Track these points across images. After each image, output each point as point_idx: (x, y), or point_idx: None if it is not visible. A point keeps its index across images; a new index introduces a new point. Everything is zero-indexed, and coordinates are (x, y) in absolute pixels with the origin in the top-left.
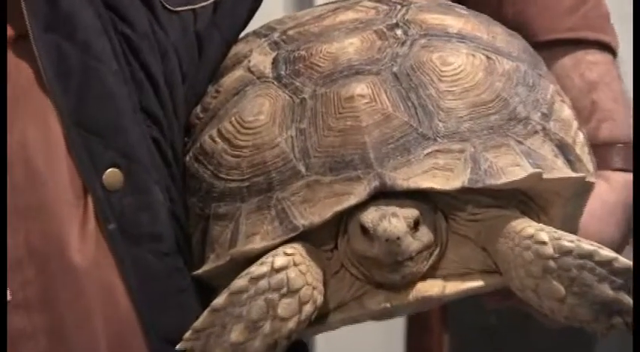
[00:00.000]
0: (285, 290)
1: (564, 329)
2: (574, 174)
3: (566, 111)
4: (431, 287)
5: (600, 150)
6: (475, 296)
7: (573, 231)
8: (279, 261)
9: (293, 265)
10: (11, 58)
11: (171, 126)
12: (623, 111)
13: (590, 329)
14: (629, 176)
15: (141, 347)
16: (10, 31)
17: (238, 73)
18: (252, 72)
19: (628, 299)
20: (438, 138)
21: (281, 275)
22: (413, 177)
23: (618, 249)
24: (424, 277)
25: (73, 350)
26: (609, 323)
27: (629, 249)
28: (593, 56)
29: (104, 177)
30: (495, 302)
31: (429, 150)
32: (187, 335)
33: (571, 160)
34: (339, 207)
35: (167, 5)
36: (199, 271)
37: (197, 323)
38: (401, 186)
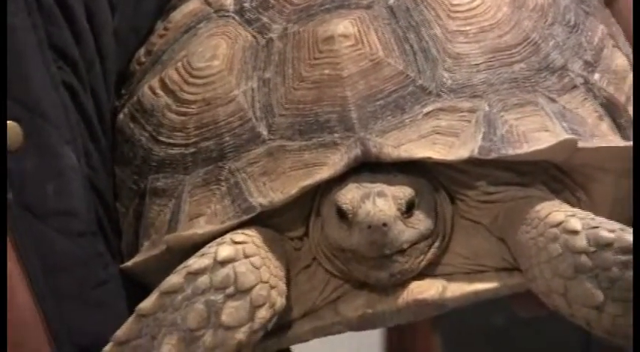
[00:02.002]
0: (231, 289)
1: None
2: (622, 143)
3: (620, 60)
4: (427, 289)
5: None
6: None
7: (626, 218)
8: (225, 250)
9: (243, 257)
10: None
11: (93, 69)
12: None
13: None
14: None
15: None
16: None
17: (192, 4)
18: (209, 3)
19: None
20: (443, 93)
21: (227, 270)
22: (406, 143)
23: None
24: (420, 275)
25: None
26: None
27: None
28: None
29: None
30: (530, 309)
31: (430, 108)
32: (107, 348)
33: (621, 124)
34: (308, 182)
35: None
36: (128, 263)
37: (120, 333)
38: (389, 155)
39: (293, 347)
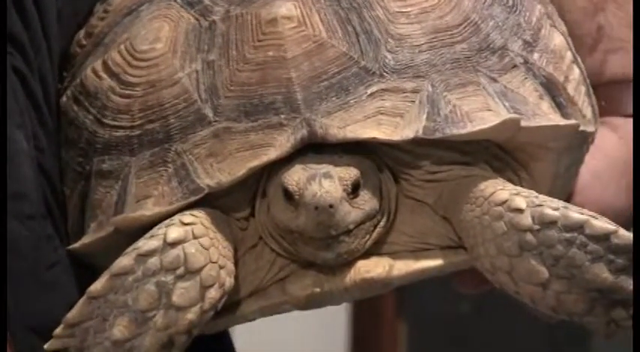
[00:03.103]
0: (181, 270)
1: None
2: (563, 122)
3: (558, 39)
4: (374, 267)
5: (607, 89)
6: (436, 278)
7: (566, 195)
8: (174, 232)
9: (192, 237)
10: None
11: (40, 52)
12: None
13: (585, 324)
14: None
15: None
16: None
17: None
18: None
19: (631, 286)
20: (386, 74)
21: (176, 251)
22: (352, 124)
23: (626, 221)
24: (367, 254)
25: None
26: (608, 316)
27: None
28: None
29: None
30: (471, 286)
31: (374, 89)
32: (59, 330)
33: (561, 103)
34: (255, 163)
35: None
36: (76, 245)
37: (70, 315)
38: (335, 136)
39: (246, 334)
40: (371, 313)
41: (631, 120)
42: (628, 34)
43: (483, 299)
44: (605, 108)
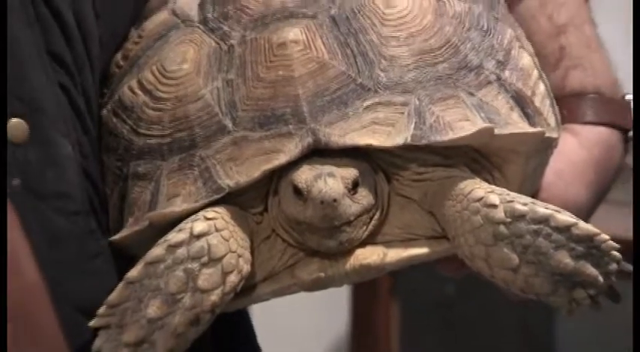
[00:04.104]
0: (205, 258)
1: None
2: (531, 129)
3: (526, 59)
4: (370, 255)
5: (568, 101)
6: (424, 264)
7: (533, 192)
8: (199, 226)
9: (215, 230)
10: None
11: (83, 71)
12: (595, 58)
13: (550, 303)
14: (602, 130)
15: (48, 315)
16: None
17: (162, 15)
18: (176, 15)
19: (591, 270)
20: (379, 90)
21: (201, 242)
22: (350, 132)
23: (587, 213)
24: (363, 244)
25: None
26: (570, 296)
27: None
28: None
29: (7, 128)
30: (452, 270)
31: (369, 102)
32: (101, 310)
33: (529, 113)
34: (268, 166)
35: None
36: (116, 237)
37: (111, 298)
38: (336, 142)
39: (262, 314)
40: (368, 293)
41: (588, 126)
42: (585, 53)
43: (464, 281)
44: (567, 117)
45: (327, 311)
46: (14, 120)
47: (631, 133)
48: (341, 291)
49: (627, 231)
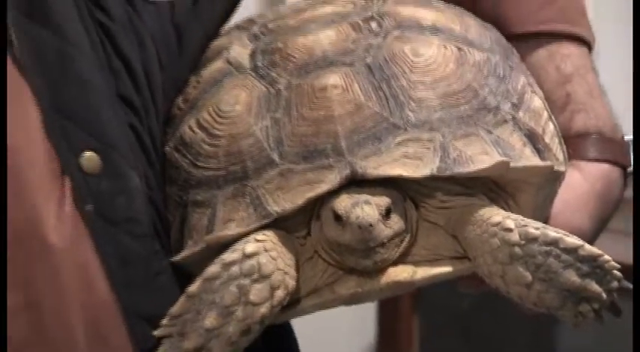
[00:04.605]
0: (256, 275)
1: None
2: (541, 163)
3: (537, 102)
4: (401, 273)
5: (574, 141)
6: (446, 281)
7: (543, 219)
8: (251, 247)
9: (264, 251)
10: None
11: (149, 113)
12: (598, 104)
13: (559, 316)
14: (604, 166)
15: (118, 326)
16: None
17: (217, 64)
18: (230, 63)
19: (595, 287)
20: (409, 128)
21: (252, 261)
22: (383, 165)
23: (591, 239)
24: (395, 263)
25: (49, 327)
26: (576, 310)
27: (623, 241)
28: (568, 49)
29: (82, 160)
30: (472, 286)
31: (400, 139)
32: (165, 321)
33: (540, 149)
34: (311, 194)
35: None
36: (177, 257)
37: (173, 310)
38: (371, 174)
39: (301, 328)
40: (393, 309)
41: (591, 163)
42: (588, 99)
43: (480, 298)
44: (572, 155)
45: (357, 324)
46: (88, 153)
47: (630, 169)
48: (369, 307)
49: (626, 256)
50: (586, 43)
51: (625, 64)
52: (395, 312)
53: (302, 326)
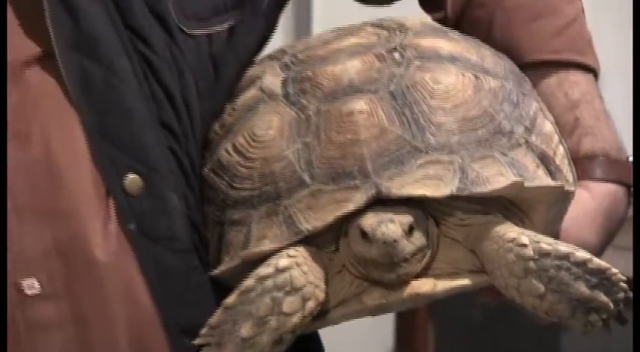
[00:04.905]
0: (288, 288)
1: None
2: (553, 183)
3: (548, 126)
4: (423, 285)
5: (582, 162)
6: (464, 293)
7: (555, 235)
8: (283, 261)
9: (296, 265)
10: (39, 74)
11: (188, 139)
12: (604, 128)
13: (569, 325)
14: (610, 186)
15: (159, 338)
16: (36, 49)
17: (251, 92)
18: (263, 91)
19: (603, 298)
20: (429, 151)
21: (285, 275)
22: (406, 185)
23: (597, 253)
24: (417, 276)
25: (95, 338)
26: (586, 319)
27: (625, 256)
28: (576, 76)
29: (125, 182)
30: (489, 297)
31: (421, 161)
32: (203, 331)
33: (551, 170)
34: (339, 213)
35: (184, 29)
36: (216, 271)
37: (211, 320)
38: (395, 194)
39: (326, 335)
40: (410, 318)
41: (598, 183)
42: (595, 123)
43: (491, 308)
44: (580, 175)
45: (375, 333)
46: (132, 176)
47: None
48: (387, 316)
49: (629, 270)
50: (592, 71)
51: (625, 89)
52: (411, 322)
53: (324, 336)
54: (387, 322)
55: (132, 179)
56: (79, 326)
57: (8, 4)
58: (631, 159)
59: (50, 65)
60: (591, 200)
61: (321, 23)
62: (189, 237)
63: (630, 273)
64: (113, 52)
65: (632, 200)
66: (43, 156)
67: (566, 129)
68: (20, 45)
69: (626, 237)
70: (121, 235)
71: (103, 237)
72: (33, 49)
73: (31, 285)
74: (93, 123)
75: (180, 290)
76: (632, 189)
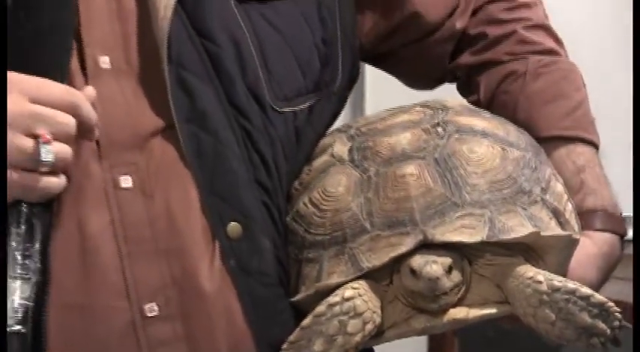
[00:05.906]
0: (352, 313)
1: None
2: (563, 233)
3: (559, 187)
4: (458, 313)
5: (586, 216)
6: (491, 319)
7: (563, 274)
8: (348, 292)
9: (358, 295)
10: (161, 142)
11: (277, 194)
12: (603, 189)
13: (576, 346)
14: (607, 235)
15: (252, 351)
16: (161, 122)
17: (324, 157)
18: (334, 156)
19: (602, 325)
20: (465, 205)
21: (350, 303)
22: (447, 233)
23: (598, 288)
24: (454, 305)
25: None
26: (588, 342)
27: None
28: (581, 148)
29: (228, 229)
30: (511, 322)
31: (459, 214)
32: (285, 346)
33: (562, 222)
34: (393, 254)
35: (275, 107)
36: (294, 298)
37: (291, 337)
38: (438, 239)
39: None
40: (439, 337)
41: (598, 232)
42: (597, 186)
43: (501, 326)
44: (584, 226)
45: (412, 347)
46: (233, 224)
47: (627, 236)
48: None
49: (621, 295)
50: (594, 144)
51: (623, 159)
52: (441, 337)
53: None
54: (421, 338)
55: (233, 226)
56: (190, 343)
57: (135, 84)
58: (624, 214)
59: (170, 135)
60: (593, 246)
61: (372, 104)
62: (277, 272)
63: (623, 297)
64: (220, 124)
65: (625, 246)
66: (164, 210)
67: (574, 190)
68: (147, 119)
69: (621, 269)
70: (224, 270)
71: (210, 272)
72: (157, 122)
73: (152, 309)
74: (203, 181)
75: (269, 314)
76: (624, 237)
